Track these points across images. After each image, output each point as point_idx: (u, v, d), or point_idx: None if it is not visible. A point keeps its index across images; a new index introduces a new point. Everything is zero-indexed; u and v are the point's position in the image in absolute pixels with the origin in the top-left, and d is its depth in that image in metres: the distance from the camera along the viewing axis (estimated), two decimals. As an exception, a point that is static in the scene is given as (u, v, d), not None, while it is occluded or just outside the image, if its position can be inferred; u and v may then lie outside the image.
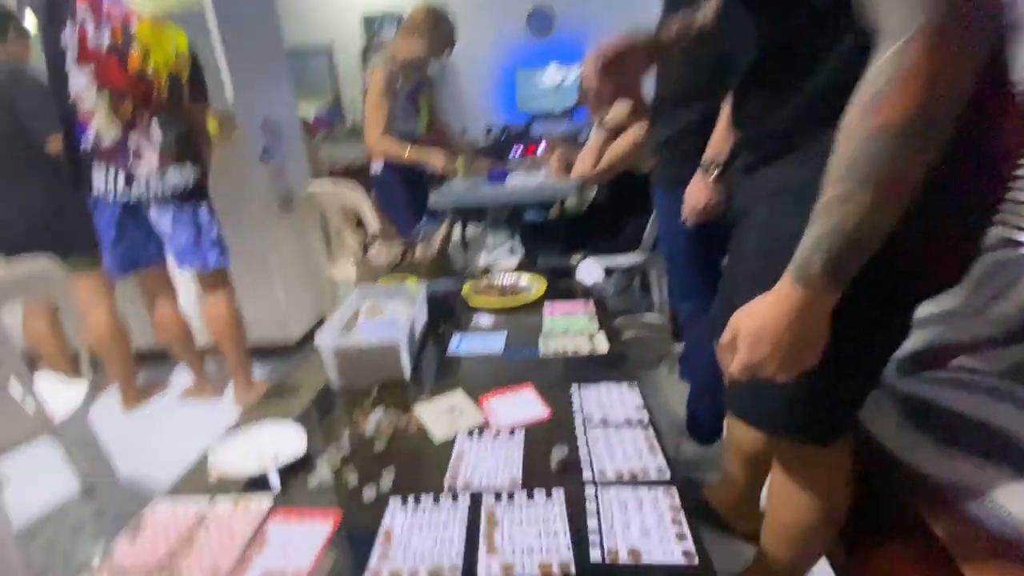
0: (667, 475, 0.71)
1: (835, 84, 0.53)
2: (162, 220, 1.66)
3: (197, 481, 0.77)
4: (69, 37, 1.47)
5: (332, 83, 4.80)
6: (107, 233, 1.65)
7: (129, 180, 1.58)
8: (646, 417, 0.84)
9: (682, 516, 0.64)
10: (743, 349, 0.60)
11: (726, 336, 0.63)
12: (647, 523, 0.63)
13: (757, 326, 0.59)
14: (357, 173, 4.02)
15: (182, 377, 2.16)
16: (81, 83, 1.50)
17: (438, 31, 1.94)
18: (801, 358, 0.58)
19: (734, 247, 0.83)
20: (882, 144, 0.47)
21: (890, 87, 0.45)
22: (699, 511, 1.18)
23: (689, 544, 0.60)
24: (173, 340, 1.83)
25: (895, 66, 0.44)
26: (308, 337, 2.40)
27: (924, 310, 1.17)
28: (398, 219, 2.09)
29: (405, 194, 2.12)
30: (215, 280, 1.79)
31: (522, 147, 3.61)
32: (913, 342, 1.09)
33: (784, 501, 0.83)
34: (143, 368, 2.21)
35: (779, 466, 0.84)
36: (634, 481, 0.70)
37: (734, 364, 0.62)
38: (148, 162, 1.58)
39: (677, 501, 0.66)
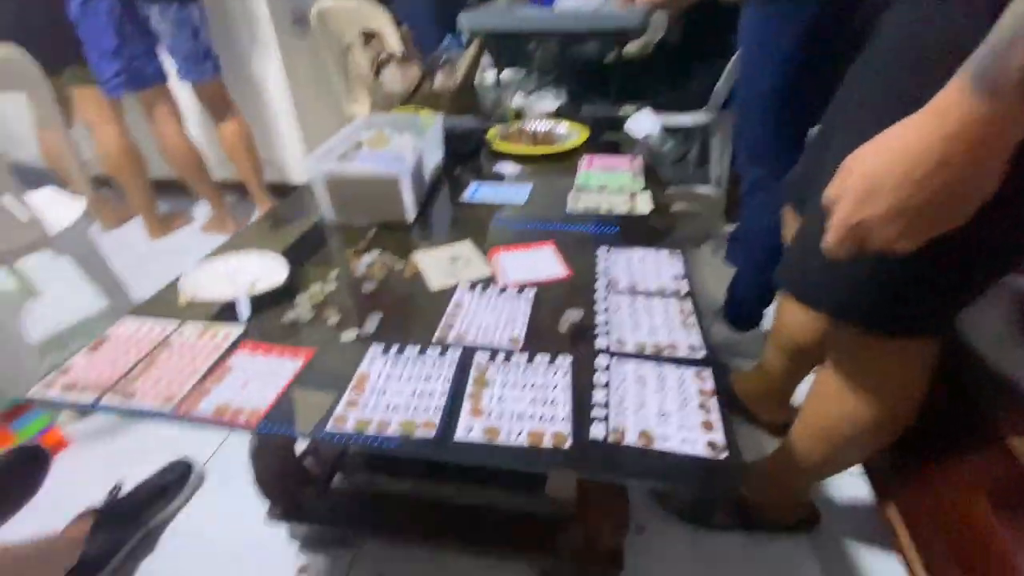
0: (701, 353, 0.58)
1: None
2: (162, 21, 1.46)
3: (168, 304, 0.70)
4: None
5: None
6: (106, 39, 1.47)
7: None
8: (685, 287, 0.69)
9: (714, 403, 0.52)
10: (854, 199, 0.42)
11: (834, 185, 0.44)
12: (667, 405, 0.52)
13: (886, 164, 0.39)
14: None
15: (205, 210, 2.12)
16: None
17: None
18: (950, 210, 0.38)
19: (855, 70, 0.60)
20: None
21: None
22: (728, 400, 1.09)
23: (718, 435, 0.48)
24: (185, 167, 1.73)
25: None
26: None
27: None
28: (419, 34, 1.81)
29: (430, 5, 1.78)
30: (219, 93, 1.69)
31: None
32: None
33: (834, 397, 0.70)
34: (167, 199, 2.18)
35: (836, 358, 0.69)
36: (658, 357, 0.58)
37: (836, 221, 0.44)
38: None
39: (710, 385, 0.54)
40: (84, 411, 0.58)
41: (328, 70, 1.95)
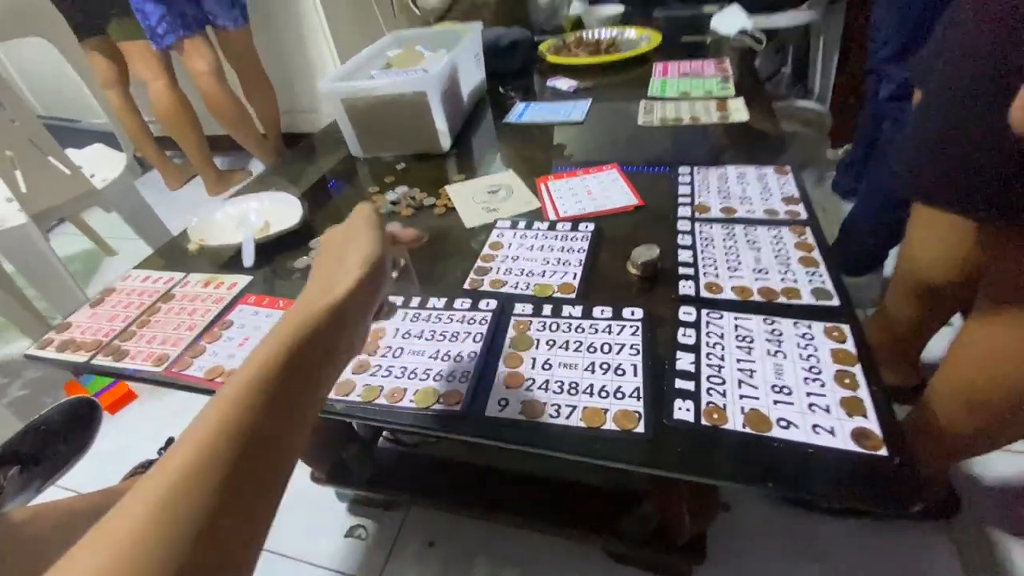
0: (834, 302, 0.41)
1: None
2: None
3: (180, 253, 0.63)
4: None
5: None
6: (146, 6, 1.42)
7: None
8: (803, 212, 0.50)
9: (859, 373, 0.35)
10: None
11: None
12: (787, 377, 0.36)
13: None
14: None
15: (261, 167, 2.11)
16: None
17: None
18: None
19: None
20: None
21: None
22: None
23: (872, 422, 0.32)
24: (230, 122, 1.69)
25: None
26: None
27: None
28: None
29: None
30: (246, 43, 1.64)
31: None
32: None
33: (985, 350, 0.50)
34: (225, 155, 2.19)
35: (989, 295, 0.49)
36: (771, 306, 0.41)
37: None
38: None
39: (852, 348, 0.37)
40: (76, 371, 0.52)
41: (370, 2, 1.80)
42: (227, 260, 0.60)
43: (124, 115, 1.86)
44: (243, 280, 0.55)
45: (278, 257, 0.58)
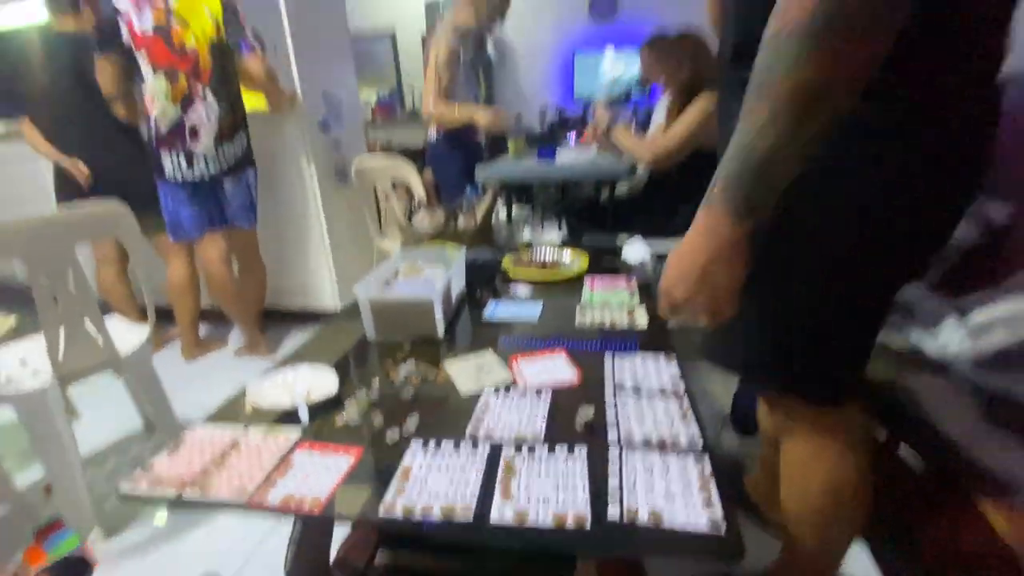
0: (699, 444, 0.67)
1: None
2: (225, 188, 1.79)
3: (234, 412, 0.81)
4: (123, 31, 1.60)
5: (394, 69, 4.91)
6: (178, 209, 1.78)
7: (190, 160, 1.71)
8: (681, 387, 0.79)
9: (712, 485, 0.60)
10: (664, 288, 0.59)
11: (662, 277, 0.61)
12: (673, 488, 0.60)
13: (675, 261, 0.57)
14: (414, 155, 4.11)
15: (237, 336, 2.29)
16: (141, 68, 1.63)
17: None
18: (714, 298, 0.55)
19: None
20: (774, 50, 0.44)
21: None
22: (738, 500, 1.12)
23: (717, 512, 0.56)
24: (226, 297, 1.94)
25: None
26: (355, 306, 2.48)
27: (1007, 308, 1.05)
28: (447, 185, 2.16)
29: (456, 162, 2.20)
30: (252, 242, 1.98)
31: (576, 134, 3.54)
32: (998, 338, 0.97)
33: (789, 477, 0.77)
34: (204, 324, 2.36)
35: (782, 439, 0.78)
36: (662, 447, 0.66)
37: (660, 303, 0.60)
38: (204, 141, 1.70)
39: (708, 470, 0.62)
40: (171, 505, 0.66)
41: (362, 213, 2.26)
42: (277, 418, 0.79)
43: (117, 287, 2.07)
44: (295, 432, 0.74)
45: (319, 416, 0.78)
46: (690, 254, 0.55)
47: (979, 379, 0.89)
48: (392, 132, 4.67)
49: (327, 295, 2.34)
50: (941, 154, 0.54)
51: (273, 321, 2.34)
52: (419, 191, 1.89)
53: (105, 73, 1.69)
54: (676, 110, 1.80)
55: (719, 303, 0.56)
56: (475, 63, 2.16)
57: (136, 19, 1.61)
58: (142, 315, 2.17)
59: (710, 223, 0.53)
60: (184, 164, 1.72)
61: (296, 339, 2.27)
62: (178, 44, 1.63)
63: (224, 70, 1.69)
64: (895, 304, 1.34)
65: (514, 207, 2.65)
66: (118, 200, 1.18)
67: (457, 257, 1.22)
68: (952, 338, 1.08)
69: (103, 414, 1.66)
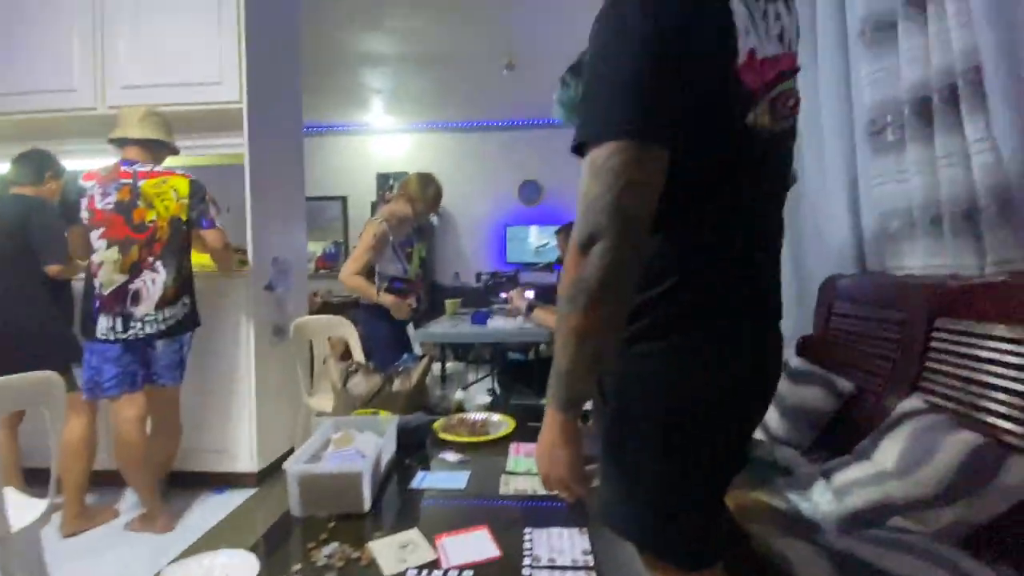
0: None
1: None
2: (156, 347, 1.80)
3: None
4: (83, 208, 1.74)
5: (343, 227, 5.31)
6: (102, 366, 1.74)
7: (127, 322, 1.74)
8: (591, 561, 0.86)
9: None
10: (538, 467, 0.71)
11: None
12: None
13: (537, 444, 0.70)
14: (348, 308, 4.26)
15: (129, 503, 2.05)
16: (92, 241, 1.74)
17: (425, 195, 2.31)
18: (562, 475, 0.67)
19: None
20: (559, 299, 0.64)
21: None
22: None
23: None
24: (136, 464, 1.79)
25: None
26: (273, 468, 2.33)
27: (860, 470, 1.25)
28: (377, 351, 2.21)
29: (385, 329, 2.28)
30: (174, 397, 1.92)
31: (509, 293, 3.91)
32: (852, 501, 1.15)
33: None
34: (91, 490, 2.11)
35: None
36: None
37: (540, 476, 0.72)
38: (146, 305, 1.75)
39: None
40: None
41: (295, 370, 2.28)
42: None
43: (6, 450, 1.86)
44: (204, 630, 0.71)
45: (233, 608, 0.76)
46: (541, 438, 0.69)
47: (834, 541, 1.03)
48: (332, 284, 4.85)
49: (245, 457, 2.21)
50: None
51: (177, 486, 2.14)
52: (357, 353, 1.99)
53: (76, 239, 1.79)
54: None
55: (567, 478, 0.67)
56: (404, 244, 2.36)
57: (99, 198, 1.75)
58: (23, 479, 1.92)
59: (548, 413, 0.68)
60: (120, 326, 1.73)
61: (201, 510, 2.06)
62: (137, 220, 1.76)
63: (178, 241, 1.82)
64: (776, 466, 1.51)
65: (448, 363, 2.78)
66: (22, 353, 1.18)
67: (389, 426, 1.28)
68: (822, 499, 1.25)
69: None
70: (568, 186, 5.00)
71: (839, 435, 1.50)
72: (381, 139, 5.37)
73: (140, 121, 1.83)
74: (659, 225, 0.62)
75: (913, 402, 1.33)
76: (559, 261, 2.90)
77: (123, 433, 1.77)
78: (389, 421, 1.31)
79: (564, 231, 2.38)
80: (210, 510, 2.08)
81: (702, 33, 0.61)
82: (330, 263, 5.08)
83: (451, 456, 1.34)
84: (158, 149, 1.88)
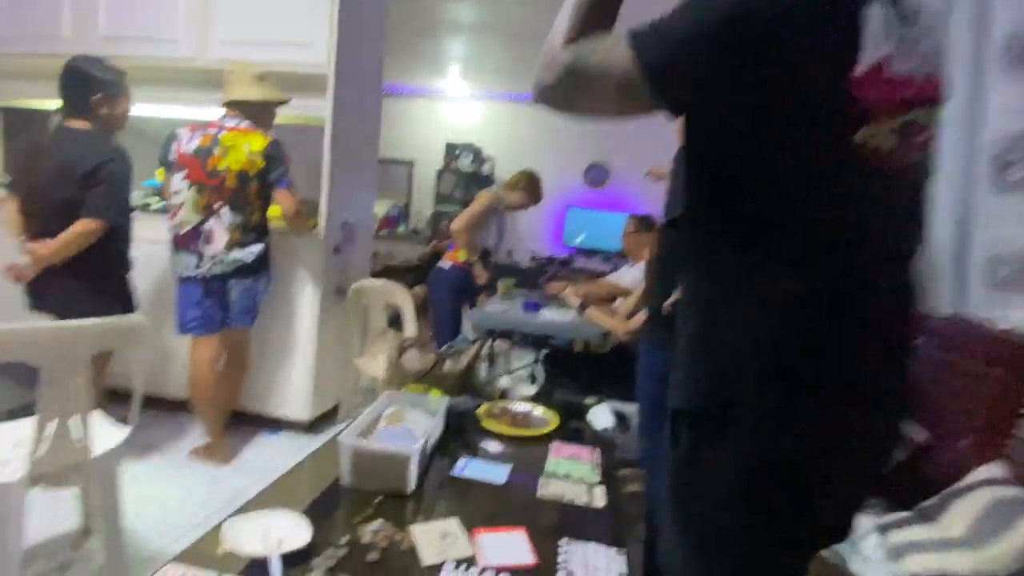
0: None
1: None
2: (232, 289, 1.94)
3: (206, 550, 0.85)
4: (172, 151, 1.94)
5: (407, 191, 5.41)
6: (188, 310, 1.91)
7: (200, 259, 1.92)
8: (627, 586, 0.87)
9: None
10: None
11: None
12: None
13: None
14: (406, 272, 4.38)
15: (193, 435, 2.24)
16: (177, 181, 1.93)
17: (533, 189, 2.85)
18: None
19: None
20: None
21: None
22: None
23: None
24: (207, 400, 1.96)
25: None
26: (321, 418, 2.48)
27: (923, 532, 1.17)
28: (439, 313, 2.53)
29: (450, 302, 2.60)
30: (245, 340, 2.10)
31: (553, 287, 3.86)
32: (908, 566, 1.08)
33: None
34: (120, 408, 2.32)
35: None
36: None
37: None
38: (215, 245, 1.93)
39: None
40: None
41: (350, 329, 2.38)
42: (247, 565, 0.82)
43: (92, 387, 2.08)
44: (263, 586, 0.78)
45: (288, 568, 0.82)
46: None
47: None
48: (393, 245, 4.99)
49: (297, 405, 2.36)
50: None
51: (236, 423, 2.32)
52: (410, 324, 2.05)
53: (165, 182, 1.99)
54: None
55: None
56: (500, 221, 2.85)
57: (185, 143, 1.93)
58: (109, 403, 2.12)
59: None
60: (194, 264, 1.90)
61: (256, 449, 2.24)
62: (211, 167, 1.91)
63: (246, 193, 1.94)
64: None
65: (497, 341, 2.83)
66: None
67: (439, 408, 1.32)
68: (873, 555, 1.19)
69: (36, 503, 1.57)
70: (637, 172, 4.82)
71: (901, 486, 1.41)
72: (453, 106, 5.35)
73: (253, 82, 1.97)
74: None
75: (996, 469, 1.23)
76: (621, 254, 2.96)
77: (197, 371, 1.93)
78: (439, 403, 1.35)
79: (637, 222, 2.46)
80: (265, 448, 2.26)
81: (805, 29, 0.55)
82: (392, 224, 5.21)
83: (493, 447, 1.36)
84: (260, 110, 1.97)
